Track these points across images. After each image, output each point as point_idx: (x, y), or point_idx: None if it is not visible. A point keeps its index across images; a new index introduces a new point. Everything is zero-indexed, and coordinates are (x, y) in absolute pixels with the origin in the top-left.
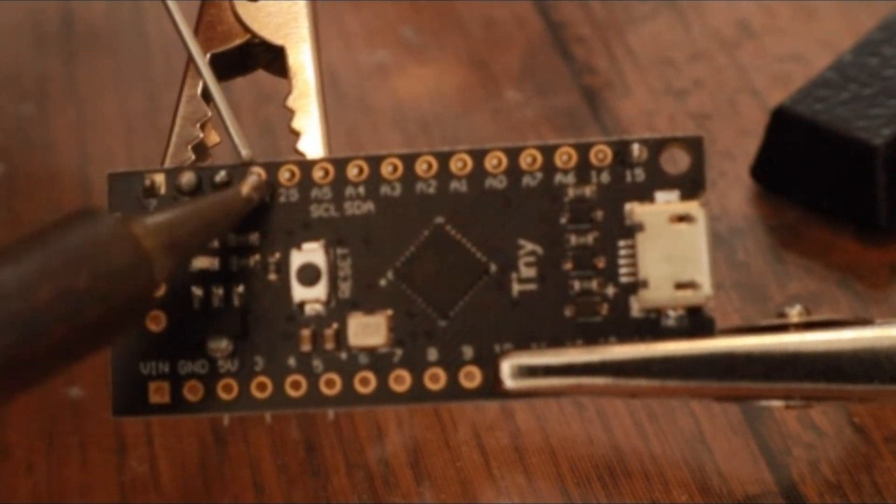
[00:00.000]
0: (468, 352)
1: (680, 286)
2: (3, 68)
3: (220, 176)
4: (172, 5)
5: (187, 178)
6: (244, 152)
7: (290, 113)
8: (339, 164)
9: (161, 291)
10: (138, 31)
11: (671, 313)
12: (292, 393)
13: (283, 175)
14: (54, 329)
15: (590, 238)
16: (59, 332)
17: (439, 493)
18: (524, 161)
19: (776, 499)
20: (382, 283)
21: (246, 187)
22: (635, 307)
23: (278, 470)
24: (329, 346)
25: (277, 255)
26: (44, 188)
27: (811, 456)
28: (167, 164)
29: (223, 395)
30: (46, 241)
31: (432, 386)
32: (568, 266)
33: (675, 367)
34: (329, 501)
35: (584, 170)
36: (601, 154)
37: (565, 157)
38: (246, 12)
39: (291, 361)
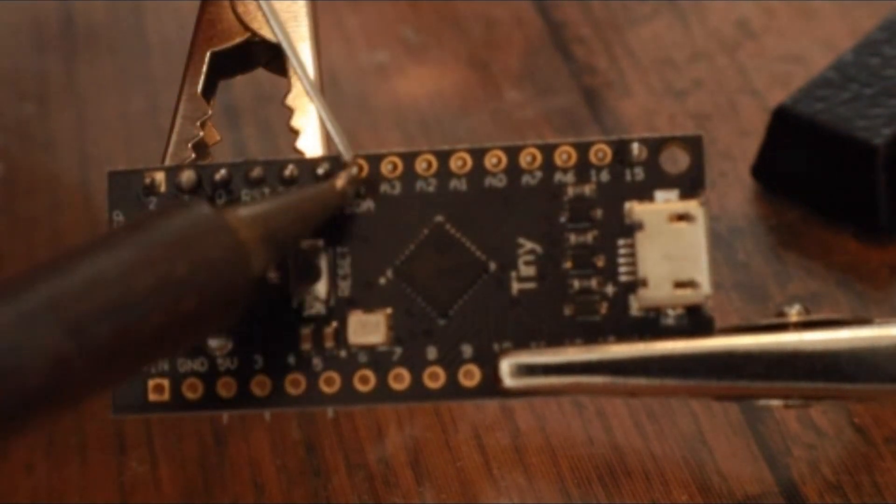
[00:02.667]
0: (467, 350)
1: (679, 285)
2: (4, 68)
3: (221, 174)
4: (265, 5)
5: (187, 176)
6: (346, 153)
7: (290, 111)
8: (340, 162)
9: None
10: (138, 31)
11: (670, 312)
12: (292, 391)
13: (285, 174)
14: (152, 318)
15: (589, 237)
16: (157, 321)
17: (439, 493)
18: (524, 160)
19: (776, 499)
20: (382, 281)
21: (341, 181)
22: (634, 306)
23: (278, 470)
24: (329, 344)
25: None
26: (44, 188)
27: (811, 456)
28: (167, 162)
29: (222, 393)
30: (144, 229)
31: (431, 384)
32: (567, 265)
33: (674, 366)
34: (329, 501)
35: (583, 169)
36: (601, 153)
37: (565, 155)
38: (246, 11)
39: (291, 360)
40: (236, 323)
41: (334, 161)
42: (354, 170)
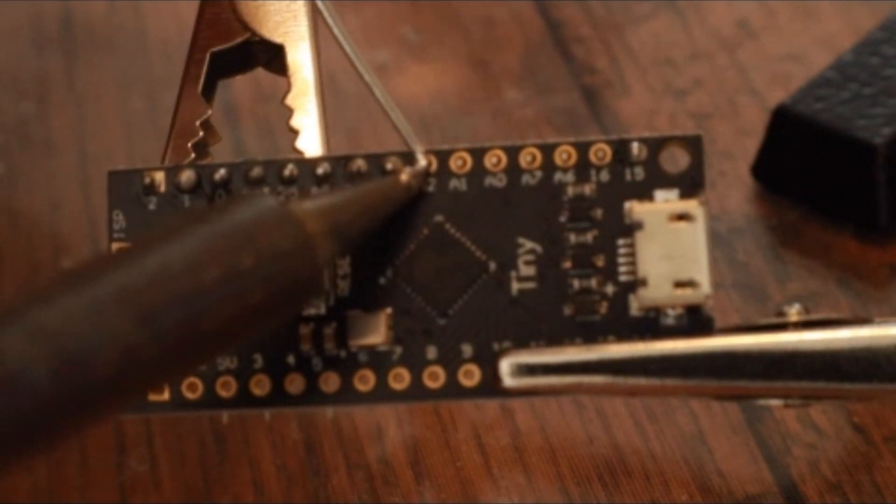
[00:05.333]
0: (467, 350)
1: (679, 285)
2: (3, 68)
3: (220, 174)
4: (322, 5)
5: (187, 176)
6: (417, 149)
7: (289, 111)
8: (339, 161)
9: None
10: (138, 31)
11: (670, 312)
12: (291, 391)
13: (285, 173)
14: (220, 309)
15: (589, 236)
16: (226, 313)
17: (439, 492)
18: (524, 159)
19: (776, 498)
20: (382, 281)
21: (405, 175)
22: (634, 306)
23: (278, 470)
24: (328, 344)
25: None
26: (43, 187)
27: (811, 455)
28: (167, 162)
29: (222, 393)
30: (210, 222)
31: (431, 384)
32: (567, 264)
33: (674, 365)
34: (329, 501)
35: (583, 168)
36: (601, 153)
37: (565, 155)
38: (246, 11)
39: (290, 359)
40: (300, 315)
41: (335, 160)
42: (422, 164)
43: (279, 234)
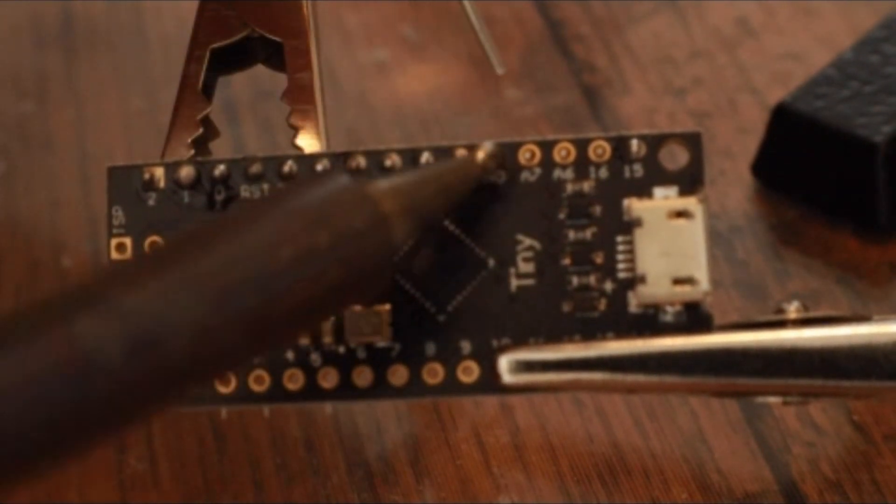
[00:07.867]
0: (466, 346)
1: (678, 282)
2: (3, 67)
3: (220, 170)
4: (468, 5)
5: (186, 172)
6: (498, 68)
7: (289, 108)
8: (339, 158)
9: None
10: (138, 30)
11: (669, 309)
12: (290, 386)
13: (284, 170)
14: (297, 289)
15: (588, 233)
16: (302, 293)
17: (439, 490)
18: (523, 156)
19: (776, 497)
20: None
21: (482, 153)
22: (633, 303)
23: (278, 468)
24: (327, 339)
25: None
26: (44, 186)
27: (811, 454)
28: (167, 158)
29: (221, 389)
30: (284, 201)
31: (430, 380)
32: (566, 261)
33: (673, 362)
34: (329, 499)
35: (582, 165)
36: (600, 150)
37: (564, 152)
38: (245, 7)
39: (289, 355)
40: (377, 297)
41: (334, 157)
42: (492, 145)
43: (354, 213)
